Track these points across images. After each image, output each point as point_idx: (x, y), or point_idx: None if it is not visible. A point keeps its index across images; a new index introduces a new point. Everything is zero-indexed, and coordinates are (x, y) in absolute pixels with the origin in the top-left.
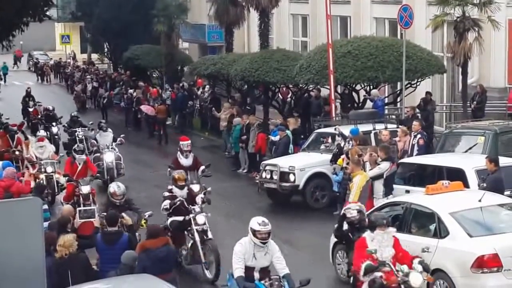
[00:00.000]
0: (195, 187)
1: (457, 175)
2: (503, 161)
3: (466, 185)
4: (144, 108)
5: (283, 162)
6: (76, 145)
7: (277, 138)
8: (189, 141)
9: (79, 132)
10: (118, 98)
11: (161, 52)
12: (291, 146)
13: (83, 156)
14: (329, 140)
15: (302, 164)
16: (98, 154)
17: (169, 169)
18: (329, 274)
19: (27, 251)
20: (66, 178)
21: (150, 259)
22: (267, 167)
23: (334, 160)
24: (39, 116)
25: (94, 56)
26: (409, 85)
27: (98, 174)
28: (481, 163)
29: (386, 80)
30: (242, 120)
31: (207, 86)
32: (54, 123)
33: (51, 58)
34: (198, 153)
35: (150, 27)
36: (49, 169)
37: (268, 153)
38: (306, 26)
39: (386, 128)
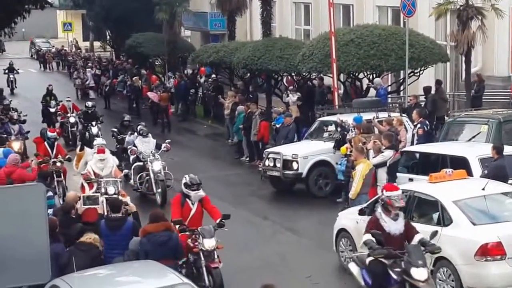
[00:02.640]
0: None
1: (460, 163)
2: (507, 149)
3: (470, 173)
4: (151, 95)
5: (286, 150)
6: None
7: (280, 125)
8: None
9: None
10: (121, 86)
11: (163, 40)
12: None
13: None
14: (332, 128)
15: (305, 152)
16: (141, 164)
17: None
18: (332, 262)
19: (31, 236)
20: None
21: (151, 244)
22: (270, 155)
23: (337, 147)
24: (74, 114)
25: (96, 44)
26: (412, 74)
27: (142, 188)
28: (485, 151)
29: (389, 69)
30: (245, 108)
31: (213, 75)
32: (93, 123)
33: (53, 46)
34: (201, 141)
35: (152, 14)
36: (111, 189)
37: (271, 141)
38: (309, 14)
39: (389, 116)
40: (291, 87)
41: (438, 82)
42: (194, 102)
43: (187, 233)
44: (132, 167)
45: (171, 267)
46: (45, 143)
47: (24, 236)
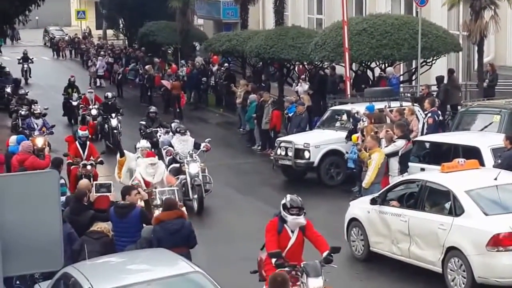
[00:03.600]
0: None
1: (472, 153)
2: None
3: (482, 163)
4: (165, 82)
5: (298, 139)
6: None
7: (292, 114)
8: None
9: (161, 133)
10: (133, 74)
11: (176, 29)
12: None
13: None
14: (344, 117)
15: (317, 141)
16: (177, 165)
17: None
18: (344, 251)
19: (43, 224)
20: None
21: (164, 231)
22: (282, 144)
23: (349, 137)
24: (96, 106)
25: (110, 32)
26: (424, 63)
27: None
28: (497, 141)
29: (401, 58)
30: (257, 97)
31: (226, 64)
32: (113, 114)
33: (67, 34)
34: (212, 130)
35: (165, 3)
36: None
37: (283, 130)
38: (321, 3)
39: (401, 106)
40: (302, 76)
41: (450, 71)
42: (206, 90)
43: (286, 269)
44: (168, 169)
45: (184, 255)
46: (76, 142)
47: (37, 223)
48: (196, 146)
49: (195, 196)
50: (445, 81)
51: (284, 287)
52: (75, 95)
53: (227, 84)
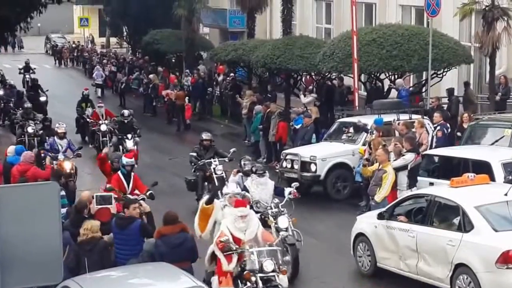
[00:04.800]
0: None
1: (483, 168)
2: None
3: (492, 178)
4: (165, 93)
5: (305, 152)
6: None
7: (299, 126)
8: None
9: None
10: (137, 84)
11: (181, 37)
12: (313, 135)
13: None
14: (352, 130)
15: (324, 154)
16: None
17: None
18: (350, 266)
19: (43, 236)
20: None
21: (166, 246)
22: (288, 157)
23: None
24: (106, 121)
25: (113, 40)
26: (435, 75)
27: None
28: (508, 156)
29: (411, 70)
30: (264, 108)
31: (232, 74)
32: (129, 135)
33: (69, 41)
34: (217, 141)
35: (170, 11)
36: (268, 266)
37: (289, 143)
38: (330, 12)
39: (410, 118)
40: (310, 87)
41: (466, 84)
42: (211, 101)
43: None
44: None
45: (186, 270)
46: (119, 173)
47: (37, 235)
48: (279, 192)
49: (287, 258)
50: (457, 93)
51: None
52: (89, 109)
53: (233, 95)
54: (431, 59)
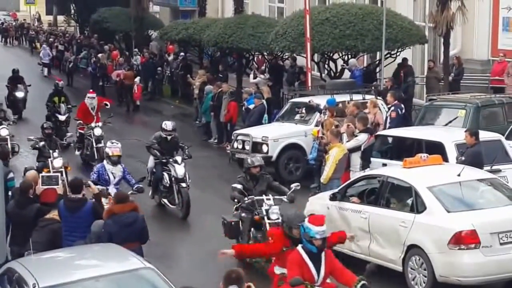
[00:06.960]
0: None
1: (436, 148)
2: (483, 135)
3: (445, 159)
4: (115, 74)
5: (256, 132)
6: None
7: (252, 106)
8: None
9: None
10: (85, 63)
11: (131, 15)
12: (265, 116)
13: None
14: (304, 110)
15: (276, 134)
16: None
17: None
18: None
19: None
20: None
21: (117, 224)
22: (239, 137)
23: None
24: (99, 124)
25: (60, 18)
26: (388, 55)
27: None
28: (461, 137)
29: (365, 50)
30: (215, 88)
31: (182, 54)
32: (178, 158)
33: (15, 19)
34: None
35: None
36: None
37: (240, 123)
38: None
39: (364, 99)
40: (262, 68)
41: (431, 61)
42: (161, 81)
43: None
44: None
45: (135, 251)
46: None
47: None
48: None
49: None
50: (425, 73)
51: (238, 283)
52: (63, 106)
53: (184, 75)
54: (385, 39)
